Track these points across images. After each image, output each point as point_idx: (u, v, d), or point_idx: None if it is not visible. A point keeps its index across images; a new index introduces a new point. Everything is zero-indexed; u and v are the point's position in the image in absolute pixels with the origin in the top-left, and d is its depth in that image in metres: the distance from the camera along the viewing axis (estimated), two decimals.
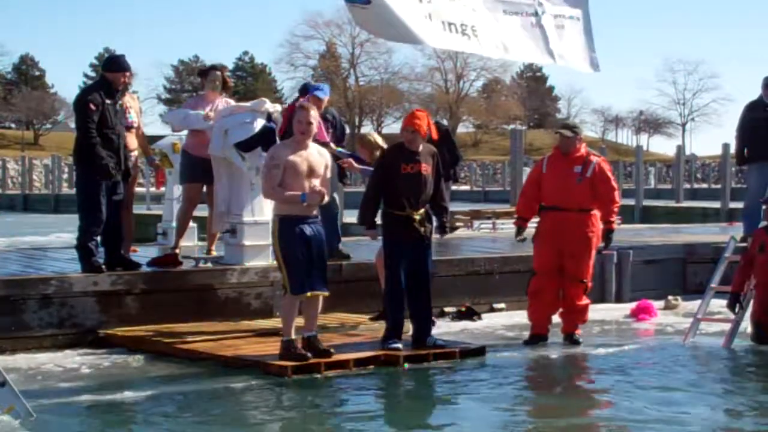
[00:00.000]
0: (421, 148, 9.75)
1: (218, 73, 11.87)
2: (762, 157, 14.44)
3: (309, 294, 9.26)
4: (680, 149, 46.48)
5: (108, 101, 10.77)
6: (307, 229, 9.24)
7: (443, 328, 11.60)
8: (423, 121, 9.72)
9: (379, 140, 11.31)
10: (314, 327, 9.48)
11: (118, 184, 10.89)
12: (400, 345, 9.66)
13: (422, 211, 9.75)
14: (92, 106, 10.70)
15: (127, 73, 10.98)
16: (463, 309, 12.41)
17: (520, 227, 10.99)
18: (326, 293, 9.47)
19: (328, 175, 9.54)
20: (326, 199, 9.39)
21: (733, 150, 17.97)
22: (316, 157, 9.38)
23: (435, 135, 10.00)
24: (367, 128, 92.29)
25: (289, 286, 9.25)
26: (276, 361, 9.24)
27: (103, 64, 11.44)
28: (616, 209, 10.86)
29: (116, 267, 10.83)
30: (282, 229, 9.25)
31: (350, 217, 13.01)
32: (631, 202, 38.93)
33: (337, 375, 9.09)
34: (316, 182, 9.28)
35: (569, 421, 7.74)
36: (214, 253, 11.91)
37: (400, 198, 9.62)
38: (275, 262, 11.45)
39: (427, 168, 9.74)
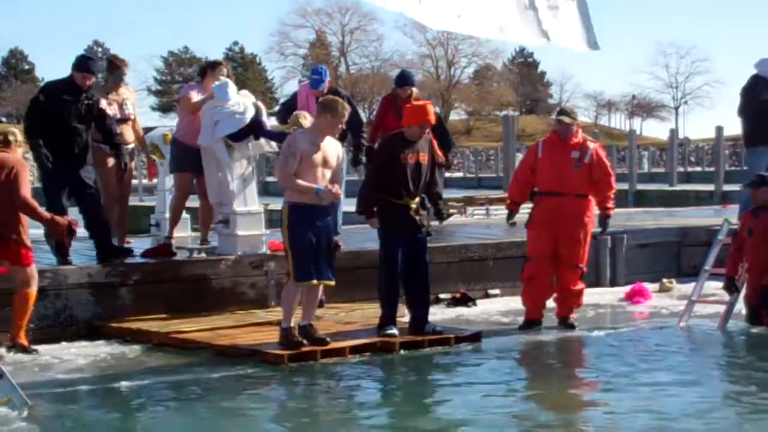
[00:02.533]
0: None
1: (224, 68, 11.85)
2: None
3: (314, 282, 9.25)
4: (673, 133, 46.49)
5: (68, 98, 10.72)
6: (318, 219, 9.25)
7: (438, 315, 11.61)
8: (433, 115, 9.78)
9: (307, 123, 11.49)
10: (311, 317, 9.49)
11: (79, 179, 10.82)
12: (395, 331, 9.67)
13: (418, 199, 9.77)
14: (40, 98, 10.77)
15: (89, 76, 10.81)
16: (458, 295, 12.42)
17: (512, 211, 11.02)
18: (332, 283, 9.48)
19: (343, 166, 9.59)
20: (341, 197, 9.59)
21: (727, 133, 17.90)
22: (331, 148, 9.42)
23: (434, 121, 10.04)
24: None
25: (293, 273, 9.24)
26: (272, 350, 9.26)
27: (73, 62, 11.30)
28: (612, 195, 10.89)
29: (109, 258, 10.83)
30: (292, 216, 9.25)
31: (348, 205, 13.06)
32: (624, 186, 38.95)
33: (334, 362, 9.10)
34: (328, 173, 9.33)
35: (565, 406, 7.76)
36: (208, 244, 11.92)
37: (399, 187, 9.63)
38: (269, 252, 11.54)
39: (425, 156, 9.77)
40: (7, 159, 9.48)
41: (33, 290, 9.58)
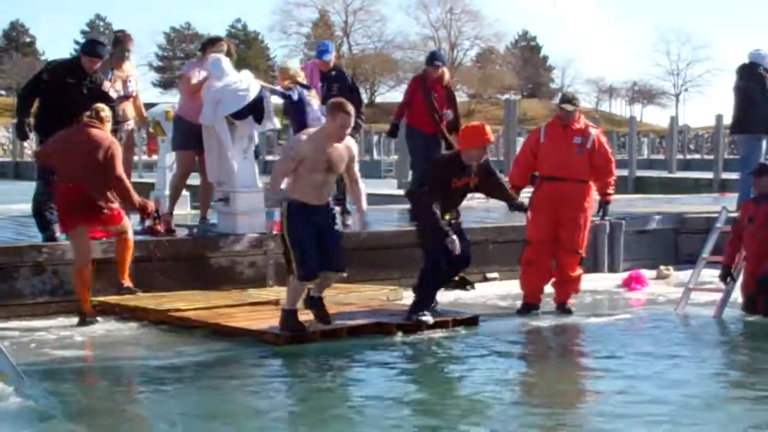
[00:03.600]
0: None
1: (225, 44, 11.81)
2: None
3: (320, 276, 9.10)
4: (673, 120, 46.44)
5: (71, 80, 10.70)
6: (317, 216, 9.06)
7: (436, 298, 11.62)
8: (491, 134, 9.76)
9: (299, 73, 11.85)
10: (323, 291, 9.46)
11: None
12: (430, 318, 9.65)
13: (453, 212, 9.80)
14: (42, 76, 10.88)
15: (96, 60, 10.82)
16: (456, 278, 12.38)
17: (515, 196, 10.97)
18: (343, 274, 9.36)
19: (355, 167, 9.38)
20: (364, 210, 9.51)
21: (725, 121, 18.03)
22: (340, 151, 9.10)
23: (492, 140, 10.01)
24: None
25: (296, 271, 9.07)
26: (270, 329, 9.26)
27: (81, 45, 11.41)
28: (613, 182, 10.90)
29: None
30: (290, 213, 9.08)
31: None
32: (624, 172, 38.86)
33: (331, 344, 9.10)
34: (332, 177, 9.19)
35: (561, 391, 7.77)
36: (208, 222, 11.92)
37: (443, 207, 9.57)
38: (268, 231, 11.53)
39: (474, 180, 9.78)
40: (104, 137, 9.98)
41: (131, 236, 10.31)
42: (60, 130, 10.27)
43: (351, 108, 9.05)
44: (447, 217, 9.65)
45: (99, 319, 9.95)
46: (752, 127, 14.62)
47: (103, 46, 11.08)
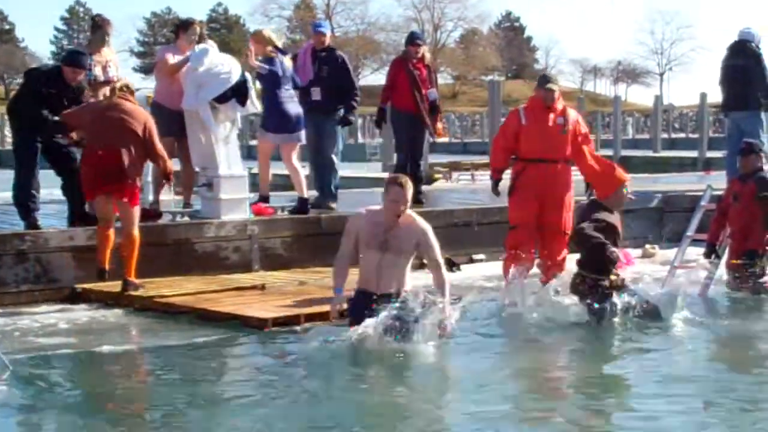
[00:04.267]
0: None
1: (197, 28, 11.74)
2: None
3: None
4: (658, 99, 46.45)
5: (52, 90, 10.58)
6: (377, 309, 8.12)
7: (422, 280, 11.58)
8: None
9: (273, 36, 11.82)
10: None
11: (57, 144, 10.77)
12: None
13: None
14: (25, 84, 10.92)
15: (79, 71, 10.68)
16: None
17: (498, 180, 10.92)
18: None
19: (434, 254, 8.58)
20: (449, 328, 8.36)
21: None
22: (402, 232, 8.38)
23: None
24: None
25: None
26: (255, 314, 9.23)
27: (63, 56, 11.36)
28: (592, 162, 10.85)
29: (80, 223, 10.77)
30: (351, 303, 8.47)
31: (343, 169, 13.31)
32: (609, 152, 38.93)
33: (317, 327, 9.06)
34: (391, 258, 8.33)
35: (544, 372, 7.75)
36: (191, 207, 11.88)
37: None
38: (253, 216, 11.50)
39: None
40: (142, 111, 10.32)
41: (136, 233, 10.21)
42: (38, 134, 10.50)
43: (405, 180, 8.46)
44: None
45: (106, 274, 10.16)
46: (751, 104, 14.64)
47: (85, 56, 10.95)
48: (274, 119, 12.06)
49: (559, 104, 10.68)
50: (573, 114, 10.73)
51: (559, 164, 10.60)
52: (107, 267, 10.11)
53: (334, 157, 12.86)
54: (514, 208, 10.75)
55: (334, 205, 12.77)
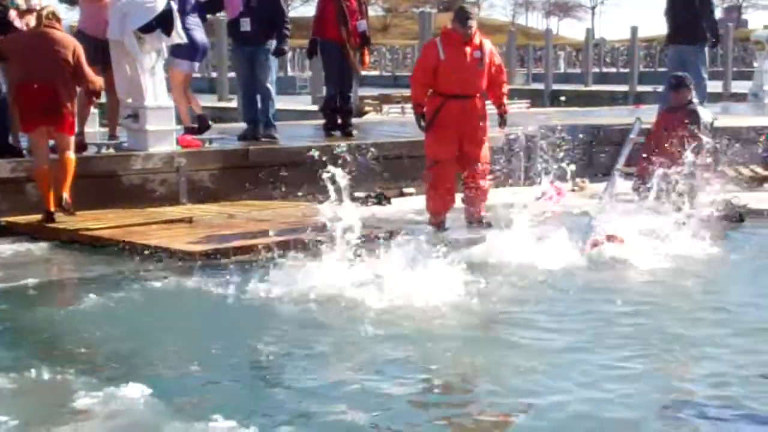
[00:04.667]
0: None
1: None
2: None
3: None
4: (589, 33, 46.55)
5: None
6: None
7: (353, 213, 11.54)
8: None
9: None
10: None
11: None
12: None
13: None
14: None
15: None
16: (373, 194, 12.36)
17: (422, 115, 10.80)
18: None
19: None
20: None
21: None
22: None
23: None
24: None
25: None
26: (183, 247, 9.14)
27: None
28: (506, 92, 10.95)
29: (4, 155, 10.57)
30: None
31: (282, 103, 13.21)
32: (540, 86, 39.12)
33: (246, 260, 9.01)
34: None
35: (475, 295, 7.72)
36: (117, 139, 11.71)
37: None
38: (179, 148, 11.36)
39: None
40: (70, 39, 10.33)
41: (73, 156, 10.24)
42: None
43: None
44: None
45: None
46: (696, 38, 14.75)
47: None
48: (186, 47, 11.83)
49: (476, 38, 10.62)
50: (488, 45, 10.70)
51: (476, 98, 10.59)
52: (53, 208, 10.05)
53: (270, 86, 12.73)
54: (433, 145, 10.67)
55: (277, 135, 12.71)
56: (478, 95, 10.59)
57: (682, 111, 10.81)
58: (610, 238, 9.62)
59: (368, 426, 5.17)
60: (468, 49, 10.49)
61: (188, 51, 11.89)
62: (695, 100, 11.21)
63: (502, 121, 11.01)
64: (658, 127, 10.95)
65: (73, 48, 10.16)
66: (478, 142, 10.64)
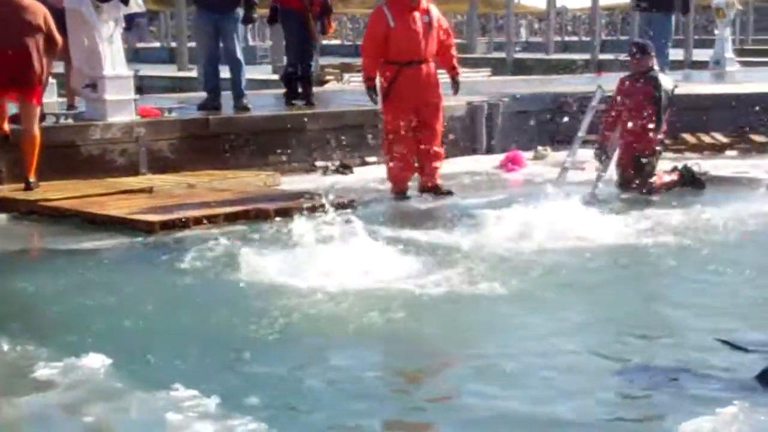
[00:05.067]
0: None
1: None
2: None
3: None
4: (551, 1, 46.51)
5: None
6: None
7: (315, 183, 11.52)
8: None
9: None
10: None
11: None
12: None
13: None
14: None
15: None
16: (335, 163, 12.32)
17: (374, 88, 10.71)
18: None
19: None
20: None
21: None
22: None
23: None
24: None
25: None
26: (143, 217, 9.08)
27: None
28: (456, 55, 10.98)
29: None
30: None
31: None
32: (502, 54, 39.04)
33: (207, 230, 8.95)
34: None
35: (432, 261, 7.71)
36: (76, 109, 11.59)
37: None
38: (139, 118, 11.27)
39: None
40: (38, 5, 10.18)
41: (37, 131, 10.15)
42: None
43: None
44: None
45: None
46: (663, 5, 14.84)
47: None
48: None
49: (423, 2, 10.59)
50: (435, 10, 10.70)
51: (428, 64, 10.59)
52: None
53: (240, 57, 12.63)
54: (391, 114, 10.62)
55: (251, 105, 12.63)
56: (431, 61, 10.58)
57: (642, 78, 10.81)
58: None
59: (330, 393, 5.17)
60: (417, 14, 10.46)
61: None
62: (656, 67, 11.21)
63: (455, 85, 10.99)
64: (619, 94, 10.96)
65: (43, 14, 10.08)
66: (435, 108, 10.66)
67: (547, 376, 5.36)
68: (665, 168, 11.17)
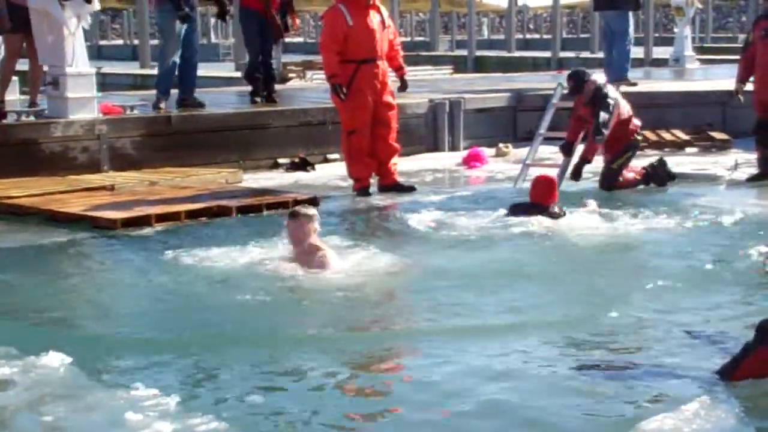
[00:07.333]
0: None
1: None
2: None
3: None
4: (512, 0, 46.67)
5: None
6: None
7: (277, 180, 11.54)
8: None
9: None
10: None
11: None
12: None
13: None
14: None
15: None
16: (297, 160, 12.33)
17: (341, 84, 10.67)
18: None
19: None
20: None
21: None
22: None
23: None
24: None
25: None
26: (105, 215, 9.06)
27: None
28: (401, 54, 11.13)
29: None
30: None
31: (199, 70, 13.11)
32: (464, 52, 39.14)
33: (168, 227, 8.95)
34: None
35: (393, 257, 7.74)
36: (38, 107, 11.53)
37: None
38: (101, 115, 11.24)
39: None
40: None
41: None
42: None
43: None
44: None
45: None
46: (620, 3, 15.01)
47: None
48: None
49: (376, 0, 10.68)
50: (384, 9, 10.85)
51: (383, 62, 10.69)
52: None
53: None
54: (350, 112, 10.64)
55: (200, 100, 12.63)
56: (383, 59, 10.68)
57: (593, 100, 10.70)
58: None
59: (291, 390, 5.18)
60: (372, 12, 10.54)
61: None
62: (599, 82, 10.95)
63: (403, 84, 11.10)
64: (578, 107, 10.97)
65: None
66: (391, 106, 10.75)
67: (501, 370, 5.37)
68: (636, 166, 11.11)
